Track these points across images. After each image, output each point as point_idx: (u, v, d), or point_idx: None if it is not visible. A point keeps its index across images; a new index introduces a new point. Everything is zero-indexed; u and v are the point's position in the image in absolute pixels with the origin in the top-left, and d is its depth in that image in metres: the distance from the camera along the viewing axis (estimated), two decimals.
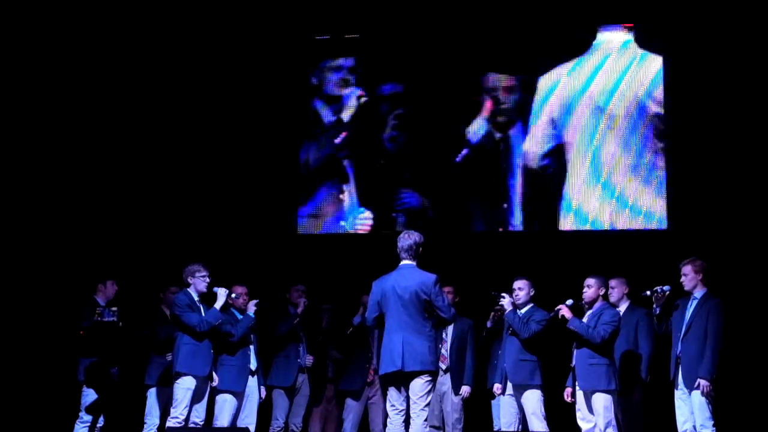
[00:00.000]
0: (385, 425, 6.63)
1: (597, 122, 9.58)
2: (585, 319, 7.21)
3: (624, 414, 7.34)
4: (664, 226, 9.27)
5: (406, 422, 6.35)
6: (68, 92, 9.65)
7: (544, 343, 7.53)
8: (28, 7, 9.36)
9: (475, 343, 8.18)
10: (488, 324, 8.00)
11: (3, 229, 9.29)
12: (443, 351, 8.09)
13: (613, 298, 7.57)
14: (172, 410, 7.28)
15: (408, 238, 6.45)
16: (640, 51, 9.56)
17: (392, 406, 6.38)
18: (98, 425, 7.75)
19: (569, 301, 7.27)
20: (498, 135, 9.79)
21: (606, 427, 6.98)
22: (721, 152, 9.00)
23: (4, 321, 9.07)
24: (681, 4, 9.21)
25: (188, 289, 7.44)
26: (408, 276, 6.34)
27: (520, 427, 7.56)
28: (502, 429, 7.66)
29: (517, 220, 9.68)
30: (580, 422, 7.17)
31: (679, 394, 6.98)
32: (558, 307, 7.23)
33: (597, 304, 7.23)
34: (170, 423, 7.22)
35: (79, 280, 8.79)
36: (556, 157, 9.65)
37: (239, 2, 9.79)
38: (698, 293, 7.05)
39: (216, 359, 7.50)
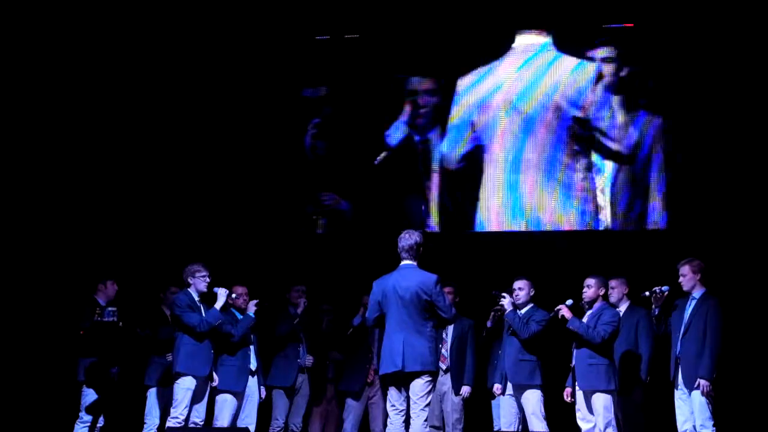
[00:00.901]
0: (385, 425, 6.63)
1: (514, 124, 9.71)
2: (585, 319, 7.22)
3: (624, 414, 7.35)
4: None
5: (407, 422, 6.35)
6: (69, 92, 9.64)
7: (544, 343, 7.53)
8: (29, 7, 9.35)
9: (476, 343, 8.18)
10: (488, 324, 8.00)
11: (3, 230, 9.28)
12: (443, 351, 8.09)
13: (613, 299, 7.58)
14: (172, 410, 7.27)
15: (409, 238, 6.44)
16: (557, 54, 9.69)
17: (392, 406, 6.38)
18: (98, 425, 7.75)
19: (569, 301, 7.28)
20: (417, 138, 9.90)
21: (606, 427, 6.99)
22: (719, 152, 9.01)
23: (4, 321, 9.07)
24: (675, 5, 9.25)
25: (188, 290, 7.44)
26: (409, 276, 6.33)
27: (520, 427, 7.57)
28: (502, 429, 7.66)
29: (434, 222, 9.80)
30: (579, 422, 7.18)
31: (679, 394, 7.00)
32: (558, 307, 7.24)
33: (597, 304, 7.24)
34: (170, 423, 7.22)
35: (79, 280, 8.78)
36: (473, 158, 9.76)
37: (239, 2, 9.78)
38: (697, 293, 7.06)
39: (216, 359, 7.50)
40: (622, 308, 7.63)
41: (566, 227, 9.48)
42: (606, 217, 9.50)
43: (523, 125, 9.68)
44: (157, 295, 8.43)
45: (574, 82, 9.62)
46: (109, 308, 7.65)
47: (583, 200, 9.54)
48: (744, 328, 8.28)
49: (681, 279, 7.10)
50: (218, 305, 7.42)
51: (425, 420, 6.27)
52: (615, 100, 9.54)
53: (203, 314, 7.37)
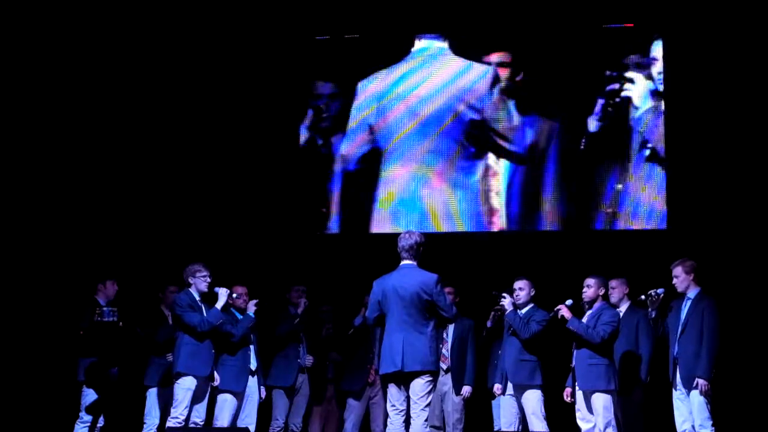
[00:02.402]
0: (385, 425, 6.63)
1: (412, 127, 9.84)
2: (585, 319, 7.22)
3: (624, 414, 7.34)
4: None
5: (407, 422, 6.35)
6: (68, 92, 9.64)
7: (544, 343, 7.53)
8: (28, 7, 9.35)
9: (476, 343, 8.18)
10: (488, 324, 8.00)
11: (3, 230, 9.28)
12: (444, 351, 8.09)
13: (613, 299, 7.58)
14: (172, 410, 7.27)
15: (409, 238, 6.43)
16: (454, 58, 9.84)
17: (392, 406, 6.38)
18: (98, 425, 7.75)
19: (569, 301, 7.27)
20: (320, 141, 10.03)
21: (606, 427, 6.99)
22: (717, 152, 9.02)
23: (4, 321, 9.06)
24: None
25: (189, 289, 7.44)
26: (409, 276, 6.33)
27: (521, 427, 7.57)
28: (503, 429, 7.66)
29: (335, 224, 9.94)
30: (579, 422, 7.18)
31: (678, 395, 7.00)
32: (558, 307, 7.24)
33: (597, 304, 7.24)
34: (170, 423, 7.21)
35: (79, 280, 8.78)
36: (371, 161, 9.89)
37: (239, 3, 9.78)
38: (692, 293, 7.07)
39: (216, 359, 7.49)
40: (623, 308, 7.63)
41: (462, 229, 9.65)
42: (501, 219, 9.68)
43: (421, 128, 9.82)
44: (157, 295, 8.43)
45: (470, 86, 9.79)
46: (110, 308, 7.66)
47: (479, 202, 9.71)
48: (742, 327, 8.29)
49: (675, 280, 7.11)
50: (219, 305, 7.42)
51: (425, 420, 6.27)
52: (510, 103, 9.73)
53: (204, 314, 7.37)
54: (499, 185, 9.69)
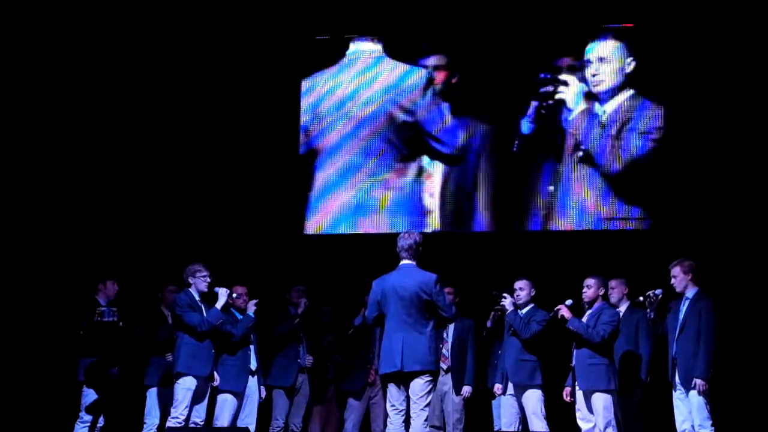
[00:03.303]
0: (386, 425, 6.62)
1: (346, 129, 9.92)
2: (584, 319, 7.22)
3: (624, 414, 7.34)
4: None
5: (407, 422, 6.35)
6: (68, 92, 9.65)
7: (544, 343, 7.53)
8: (24, 7, 9.35)
9: (476, 343, 8.18)
10: (488, 324, 8.00)
11: (3, 230, 9.28)
12: (444, 351, 8.09)
13: (613, 299, 7.58)
14: (172, 410, 7.27)
15: (408, 238, 6.44)
16: (389, 61, 9.92)
17: (392, 406, 6.38)
18: (98, 425, 7.74)
19: (569, 301, 7.28)
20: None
21: (606, 427, 6.99)
22: (716, 152, 9.02)
23: (4, 321, 9.07)
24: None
25: (189, 289, 7.44)
26: (408, 276, 6.33)
27: (521, 427, 7.57)
28: (503, 429, 7.66)
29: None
30: (580, 422, 7.18)
31: (677, 395, 6.99)
32: (558, 307, 7.24)
33: (596, 304, 7.25)
34: (170, 423, 7.21)
35: (80, 280, 8.78)
36: (306, 163, 9.99)
37: (239, 3, 9.78)
38: (690, 293, 7.07)
39: (216, 359, 7.49)
40: (622, 308, 7.63)
41: (392, 231, 9.56)
42: (435, 220, 9.76)
43: (355, 130, 9.90)
44: (157, 295, 8.42)
45: (404, 89, 9.88)
46: (109, 308, 7.65)
47: (412, 203, 9.79)
48: (740, 327, 8.29)
49: (673, 280, 7.11)
50: (219, 305, 7.42)
51: (425, 420, 6.27)
52: (444, 105, 9.81)
53: (204, 314, 7.37)
54: (433, 186, 9.77)
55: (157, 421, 8.02)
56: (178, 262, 7.64)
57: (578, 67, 9.59)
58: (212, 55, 9.91)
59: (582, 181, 9.48)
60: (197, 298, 7.42)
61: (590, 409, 7.09)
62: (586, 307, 7.29)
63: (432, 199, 9.76)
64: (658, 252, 8.57)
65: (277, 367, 8.22)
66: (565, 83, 9.58)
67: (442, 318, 6.39)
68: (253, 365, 7.84)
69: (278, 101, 9.97)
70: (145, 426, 8.01)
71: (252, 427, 7.80)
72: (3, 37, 9.34)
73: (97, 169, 9.73)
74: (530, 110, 9.58)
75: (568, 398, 7.32)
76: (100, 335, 7.62)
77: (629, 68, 9.49)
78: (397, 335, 6.27)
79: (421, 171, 9.81)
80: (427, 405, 6.29)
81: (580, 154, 9.51)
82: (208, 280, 7.42)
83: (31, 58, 9.50)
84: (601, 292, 7.29)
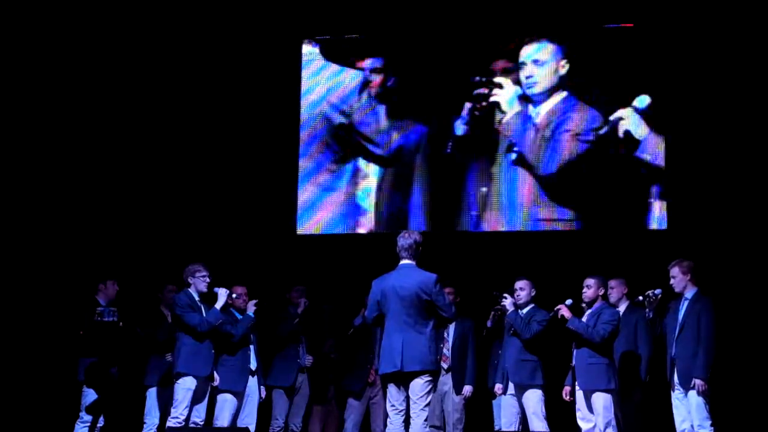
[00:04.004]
0: (386, 425, 6.62)
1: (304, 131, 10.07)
2: (584, 319, 7.23)
3: (624, 414, 7.34)
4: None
5: (406, 422, 6.35)
6: (68, 93, 9.65)
7: (544, 343, 7.54)
8: (24, 7, 9.35)
9: (476, 343, 8.19)
10: (488, 324, 8.01)
11: (4, 230, 9.28)
12: (445, 351, 8.10)
13: (612, 299, 7.58)
14: (172, 410, 7.27)
15: (408, 238, 6.43)
16: (325, 63, 10.06)
17: (392, 405, 6.38)
18: (98, 425, 7.74)
19: (568, 301, 7.28)
20: None
21: (606, 427, 6.99)
22: (716, 152, 9.02)
23: (4, 321, 9.07)
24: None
25: (188, 289, 7.44)
26: (408, 275, 6.33)
27: (521, 427, 7.57)
28: (503, 429, 7.66)
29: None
30: (580, 422, 7.19)
31: (676, 395, 7.00)
32: (557, 306, 7.24)
33: (596, 304, 7.25)
34: (170, 423, 7.21)
35: (80, 280, 8.78)
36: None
37: (239, 3, 9.79)
38: (689, 293, 7.07)
39: (216, 359, 7.49)
40: (621, 308, 7.63)
41: (331, 231, 9.86)
42: (370, 221, 9.83)
43: (299, 132, 10.03)
44: (156, 295, 8.43)
45: (340, 91, 10.00)
46: (109, 308, 7.65)
47: (348, 204, 9.88)
48: (740, 327, 8.29)
49: (672, 281, 7.12)
50: (218, 305, 7.42)
51: (425, 420, 6.27)
52: (380, 107, 9.92)
53: (204, 314, 7.37)
54: (368, 188, 9.85)
55: (157, 421, 8.02)
56: (178, 262, 7.64)
57: (513, 70, 9.68)
58: (210, 56, 9.91)
59: (515, 183, 9.55)
60: (197, 299, 7.42)
61: (590, 409, 7.09)
62: (586, 307, 7.29)
63: (367, 200, 9.83)
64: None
65: (277, 367, 8.22)
66: (500, 86, 9.66)
67: (442, 318, 6.38)
68: (253, 365, 7.85)
69: (278, 101, 9.97)
70: (145, 426, 8.02)
71: (252, 427, 7.80)
72: (2, 37, 9.33)
73: (97, 170, 9.73)
74: (464, 112, 9.65)
75: (568, 397, 7.32)
76: (100, 335, 7.62)
77: (563, 70, 9.57)
78: (396, 335, 6.26)
79: (356, 172, 9.90)
80: (427, 405, 6.29)
81: (514, 156, 9.58)
82: (208, 280, 7.42)
83: (31, 58, 9.49)
84: (601, 292, 7.30)
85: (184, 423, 7.19)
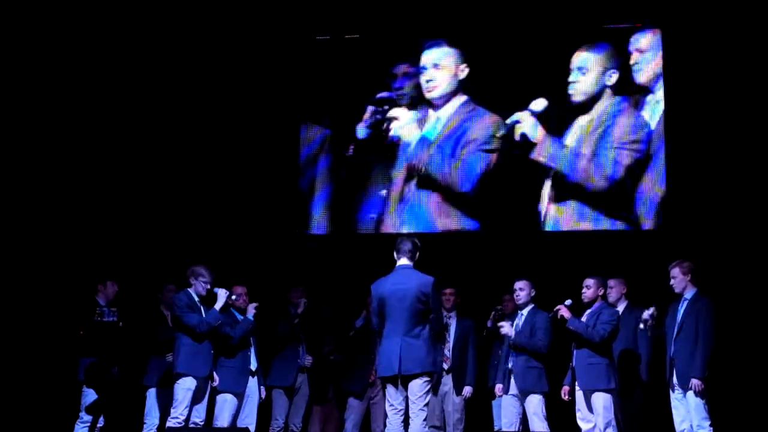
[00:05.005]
0: (386, 425, 6.64)
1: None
2: (584, 319, 7.23)
3: (624, 414, 7.35)
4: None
5: (405, 422, 6.37)
6: (68, 93, 9.64)
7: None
8: (28, 7, 9.35)
9: (477, 343, 8.19)
10: (488, 324, 8.02)
11: (4, 230, 9.28)
12: (446, 351, 8.11)
13: (611, 298, 7.59)
14: (172, 410, 7.27)
15: (408, 240, 6.52)
16: None
17: (391, 405, 6.40)
18: (98, 425, 7.74)
19: (568, 301, 7.29)
20: None
21: (606, 427, 7.00)
22: (715, 153, 9.03)
23: (4, 321, 9.07)
24: None
25: (188, 289, 7.44)
26: (406, 278, 6.37)
27: (521, 427, 7.57)
28: (503, 429, 7.66)
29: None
30: (580, 422, 7.20)
31: (675, 395, 7.01)
32: (557, 307, 7.25)
33: (596, 304, 7.27)
34: (170, 423, 7.21)
35: (80, 280, 8.78)
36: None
37: (239, 3, 9.79)
38: (688, 294, 7.08)
39: (216, 360, 7.49)
40: (621, 308, 7.64)
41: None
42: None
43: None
44: (156, 296, 8.42)
45: None
46: (109, 308, 7.65)
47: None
48: (741, 328, 8.29)
49: (672, 281, 7.13)
50: (218, 306, 7.42)
51: (425, 419, 6.29)
52: None
53: (203, 314, 7.37)
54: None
55: (156, 422, 8.01)
56: (178, 262, 7.64)
57: (414, 74, 9.75)
58: (213, 56, 9.91)
59: (414, 186, 9.61)
60: (196, 299, 7.42)
61: (590, 409, 7.10)
62: (586, 309, 7.30)
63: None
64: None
65: (277, 367, 8.22)
66: (401, 89, 9.71)
67: (431, 325, 6.41)
68: (253, 366, 7.84)
69: (279, 101, 9.98)
70: (145, 426, 8.01)
71: (252, 427, 7.80)
72: (7, 37, 9.33)
73: (98, 171, 9.72)
74: (366, 115, 9.70)
75: (566, 397, 7.33)
76: (100, 335, 7.61)
77: (463, 74, 9.62)
78: (395, 338, 6.31)
79: None
80: (426, 405, 6.32)
81: (414, 159, 9.63)
82: (208, 286, 7.43)
83: (32, 58, 9.49)
84: (601, 292, 7.31)
85: (184, 423, 7.19)
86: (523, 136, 9.45)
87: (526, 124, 9.45)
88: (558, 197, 9.41)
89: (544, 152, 9.41)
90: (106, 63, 9.75)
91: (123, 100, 9.83)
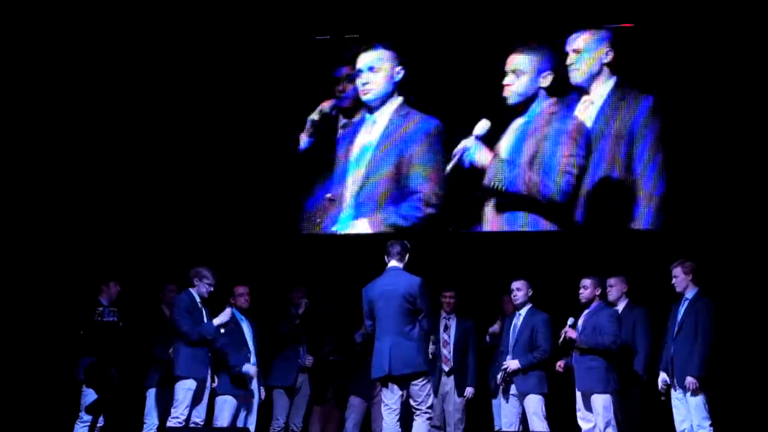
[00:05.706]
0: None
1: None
2: (581, 319, 7.23)
3: (623, 414, 7.35)
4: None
5: (402, 421, 6.40)
6: (69, 93, 9.64)
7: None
8: (28, 7, 9.37)
9: (477, 343, 8.20)
10: (487, 339, 8.06)
11: (6, 230, 9.29)
12: (446, 352, 8.12)
13: (611, 297, 7.59)
14: (172, 410, 7.29)
15: (397, 243, 6.67)
16: None
17: (386, 405, 6.46)
18: (98, 425, 7.75)
19: (571, 320, 7.28)
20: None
21: (605, 427, 7.01)
22: (715, 153, 9.01)
23: (4, 321, 9.08)
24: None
25: (191, 290, 7.45)
26: (395, 279, 6.50)
27: (521, 427, 7.58)
28: (503, 429, 7.67)
29: None
30: (580, 422, 7.21)
31: (675, 395, 7.01)
32: (563, 330, 7.23)
33: (594, 304, 7.28)
34: (170, 423, 7.24)
35: (81, 280, 8.79)
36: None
37: (239, 3, 9.79)
38: (689, 294, 7.09)
39: (216, 364, 7.51)
40: (621, 306, 7.63)
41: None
42: None
43: None
44: (157, 296, 8.43)
45: None
46: (110, 308, 7.66)
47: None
48: (741, 328, 8.29)
49: (673, 280, 7.13)
50: (217, 321, 7.41)
51: (429, 418, 6.36)
52: None
53: (204, 316, 7.38)
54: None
55: (156, 422, 8.02)
56: (179, 262, 7.64)
57: (353, 78, 9.72)
58: (212, 55, 9.90)
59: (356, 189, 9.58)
60: (198, 300, 7.43)
61: (590, 410, 7.10)
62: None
63: None
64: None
65: (278, 367, 8.23)
66: (342, 92, 9.70)
67: (420, 326, 6.44)
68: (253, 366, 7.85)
69: (279, 101, 9.98)
70: (144, 426, 8.02)
71: (252, 427, 7.82)
72: (8, 37, 9.34)
73: (99, 171, 9.72)
74: (308, 123, 9.72)
75: (561, 369, 7.33)
76: (100, 335, 7.62)
77: (398, 77, 9.59)
78: (385, 339, 6.43)
79: None
80: (430, 407, 6.40)
81: (355, 162, 9.62)
82: (211, 288, 7.44)
83: (33, 58, 9.49)
84: (598, 292, 7.33)
85: (184, 423, 7.21)
86: (471, 164, 9.28)
87: (473, 150, 9.28)
88: (508, 207, 9.29)
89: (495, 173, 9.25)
90: (107, 64, 9.75)
91: (125, 102, 9.83)
